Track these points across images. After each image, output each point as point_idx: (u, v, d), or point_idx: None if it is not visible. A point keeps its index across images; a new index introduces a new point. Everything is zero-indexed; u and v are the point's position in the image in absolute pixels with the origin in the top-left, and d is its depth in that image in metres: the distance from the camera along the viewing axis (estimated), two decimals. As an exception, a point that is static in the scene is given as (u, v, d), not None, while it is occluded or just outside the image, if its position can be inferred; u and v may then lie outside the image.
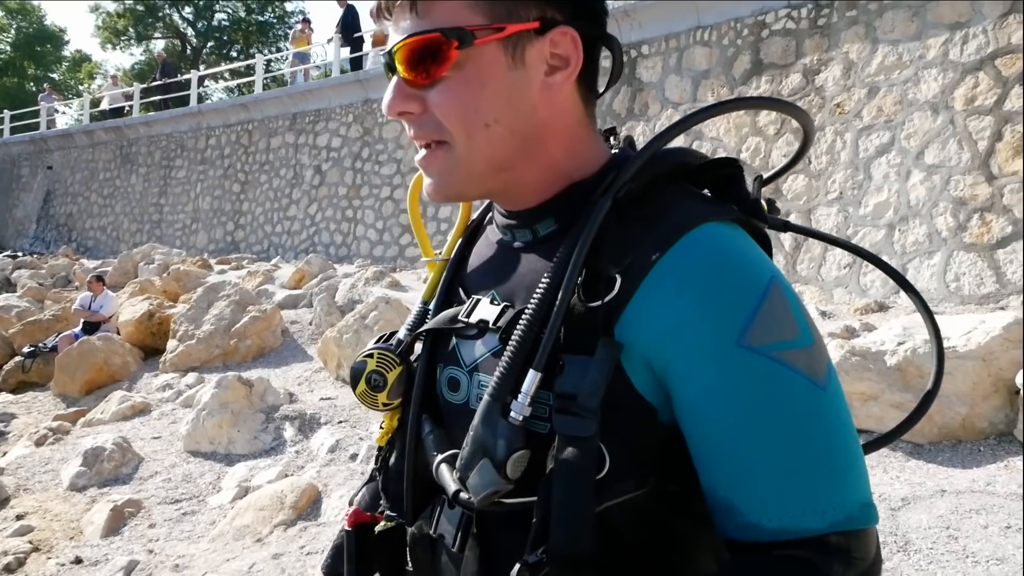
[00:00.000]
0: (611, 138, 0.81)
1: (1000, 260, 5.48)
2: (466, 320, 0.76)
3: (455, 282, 0.84)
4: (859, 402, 3.56)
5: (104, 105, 20.08)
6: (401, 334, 0.85)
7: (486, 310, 0.75)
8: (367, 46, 14.61)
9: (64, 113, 21.03)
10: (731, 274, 0.65)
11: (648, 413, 0.67)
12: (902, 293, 5.87)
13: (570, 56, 0.71)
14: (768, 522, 0.63)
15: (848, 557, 0.63)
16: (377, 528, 0.83)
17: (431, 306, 0.84)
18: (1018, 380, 3.30)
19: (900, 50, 6.44)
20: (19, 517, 4.33)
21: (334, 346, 5.96)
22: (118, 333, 8.15)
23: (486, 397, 0.67)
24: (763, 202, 0.76)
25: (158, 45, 35.69)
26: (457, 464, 0.68)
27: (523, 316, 0.68)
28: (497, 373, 0.67)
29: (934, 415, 3.44)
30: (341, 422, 5.02)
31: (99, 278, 9.18)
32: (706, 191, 0.75)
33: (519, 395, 0.66)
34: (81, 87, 36.92)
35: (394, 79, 0.71)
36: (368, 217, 12.20)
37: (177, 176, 16.50)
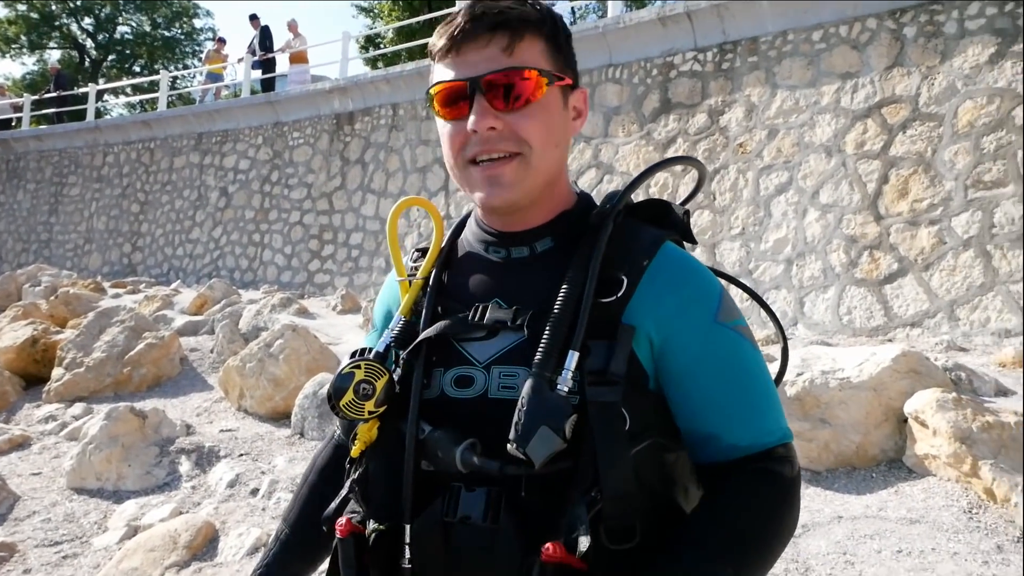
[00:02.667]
0: None
1: (888, 295, 5.82)
2: (479, 323, 0.90)
3: (441, 297, 0.96)
4: (762, 431, 3.67)
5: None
6: (380, 347, 0.95)
7: (498, 313, 0.90)
8: (281, 68, 14.33)
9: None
10: (700, 277, 0.93)
11: (645, 380, 0.89)
12: (799, 325, 6.15)
13: (583, 110, 0.97)
14: (742, 441, 0.90)
15: (790, 462, 0.92)
16: (369, 533, 0.89)
17: (419, 321, 0.95)
18: (906, 409, 3.48)
19: (797, 95, 6.83)
20: None
21: (236, 375, 5.71)
22: (-4, 360, 7.54)
23: (530, 379, 0.82)
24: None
25: (53, 56, 33.86)
26: (512, 437, 0.80)
27: (554, 311, 0.86)
28: (538, 358, 0.83)
29: (830, 444, 3.58)
30: (242, 455, 4.79)
31: (-23, 300, 8.50)
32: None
33: (563, 371, 0.83)
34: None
35: (480, 101, 0.87)
36: (276, 242, 11.86)
37: (70, 194, 15.59)
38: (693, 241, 1.01)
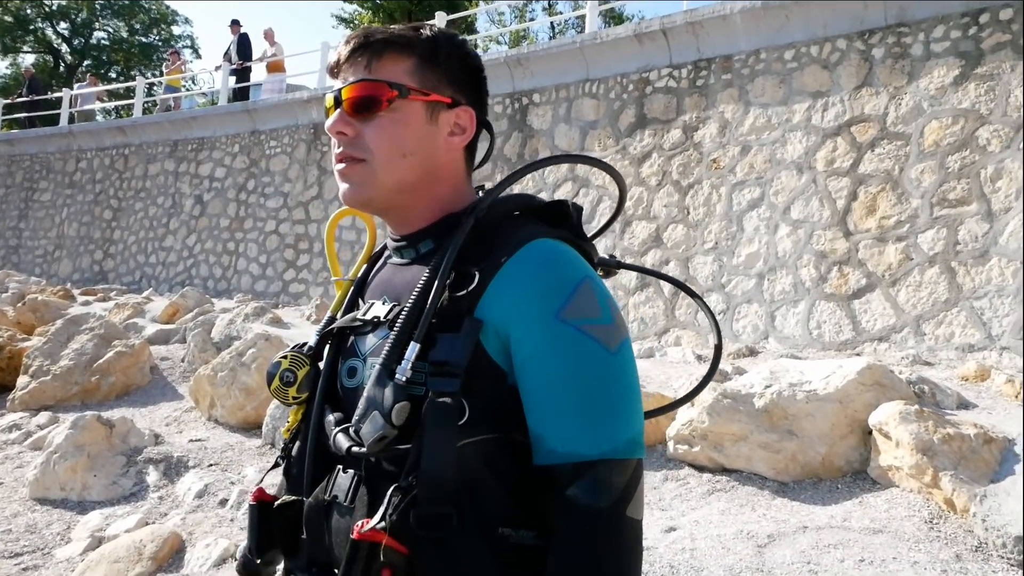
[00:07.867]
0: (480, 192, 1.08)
1: (856, 310, 5.92)
2: (363, 319, 0.99)
3: (358, 296, 1.08)
4: (730, 442, 3.71)
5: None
6: (312, 340, 1.06)
7: (378, 309, 0.99)
8: (259, 75, 14.28)
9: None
10: (554, 270, 0.91)
11: (499, 376, 0.90)
12: (770, 339, 6.23)
13: (467, 127, 1.01)
14: (561, 448, 0.87)
15: (608, 486, 0.85)
16: (276, 503, 1.00)
17: (338, 316, 1.07)
18: (870, 421, 3.54)
19: (769, 113, 6.95)
20: None
21: (207, 384, 5.65)
22: (-40, 368, 7.40)
23: (377, 366, 0.89)
24: (606, 256, 1.11)
25: (27, 59, 33.43)
26: (352, 420, 0.89)
27: (406, 305, 0.92)
28: (386, 348, 0.90)
29: (797, 455, 3.63)
30: (211, 465, 4.74)
31: (-59, 307, 8.33)
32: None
33: (403, 362, 0.87)
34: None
35: (338, 110, 0.97)
36: (251, 251, 11.77)
37: (41, 199, 15.37)
38: (586, 240, 1.03)
